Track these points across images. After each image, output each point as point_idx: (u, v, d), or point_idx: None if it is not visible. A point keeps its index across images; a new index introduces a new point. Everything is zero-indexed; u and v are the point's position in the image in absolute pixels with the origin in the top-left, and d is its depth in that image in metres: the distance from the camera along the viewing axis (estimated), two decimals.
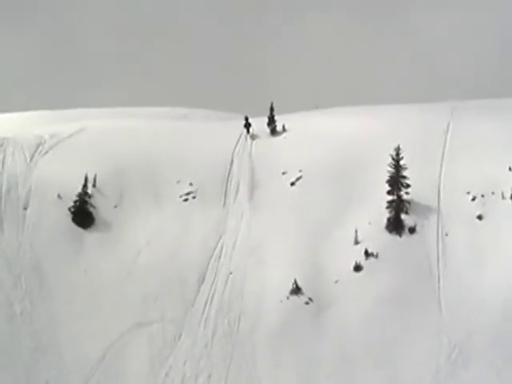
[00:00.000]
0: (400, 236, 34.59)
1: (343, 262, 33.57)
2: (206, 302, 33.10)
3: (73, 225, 36.48)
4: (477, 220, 34.73)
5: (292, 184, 38.88)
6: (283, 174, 39.43)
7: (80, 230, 36.41)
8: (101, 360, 30.57)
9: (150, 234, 36.32)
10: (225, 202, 38.32)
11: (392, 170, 35.68)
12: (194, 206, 38.05)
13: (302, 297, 32.55)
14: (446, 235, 34.32)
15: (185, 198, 38.59)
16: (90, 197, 37.48)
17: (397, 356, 29.80)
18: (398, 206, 35.28)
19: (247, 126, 44.39)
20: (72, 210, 36.80)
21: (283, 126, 44.07)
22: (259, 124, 44.17)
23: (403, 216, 35.14)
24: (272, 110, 44.18)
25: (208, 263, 34.82)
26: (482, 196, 35.71)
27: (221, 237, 36.21)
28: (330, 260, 34.04)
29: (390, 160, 35.73)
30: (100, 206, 37.65)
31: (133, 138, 43.25)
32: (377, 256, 33.58)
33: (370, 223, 35.20)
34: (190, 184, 39.21)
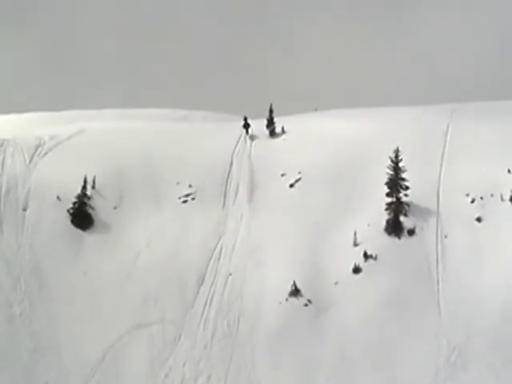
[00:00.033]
0: (399, 238, 34.61)
1: (342, 264, 33.58)
2: (206, 304, 33.13)
3: (72, 226, 36.50)
4: (476, 222, 34.75)
5: (291, 186, 38.91)
6: (282, 175, 39.46)
7: (79, 231, 36.43)
8: (100, 361, 30.59)
9: (150, 235, 36.35)
10: (224, 203, 38.36)
11: (391, 172, 35.69)
12: (194, 207, 38.08)
13: (301, 299, 32.57)
14: (445, 237, 34.33)
15: (184, 199, 38.62)
16: (89, 198, 37.50)
17: (396, 358, 29.81)
18: (397, 208, 35.30)
19: (246, 126, 44.46)
20: (71, 211, 36.81)
21: (282, 128, 44.11)
22: (258, 126, 44.21)
23: (402, 218, 35.16)
24: (271, 111, 44.23)
25: (207, 265, 34.85)
26: (481, 198, 35.71)
27: (220, 238, 36.25)
28: (329, 262, 34.05)
29: (389, 162, 35.74)
30: (99, 207, 37.67)
31: (132, 140, 43.29)
32: (376, 258, 33.61)
33: (369, 225, 35.22)
34: (190, 186, 39.24)
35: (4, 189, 37.88)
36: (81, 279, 33.99)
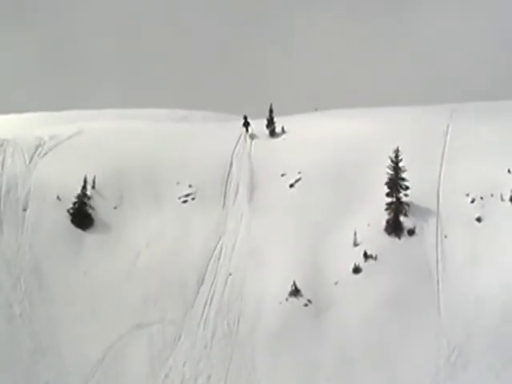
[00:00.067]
0: (399, 238, 34.61)
1: (342, 264, 33.58)
2: (206, 304, 33.13)
3: (72, 226, 36.50)
4: (476, 222, 34.75)
5: (291, 186, 38.90)
6: (282, 175, 39.45)
7: (79, 231, 36.43)
8: (100, 361, 30.59)
9: (150, 235, 36.35)
10: (224, 203, 38.35)
11: (391, 171, 35.69)
12: (194, 207, 38.07)
13: (301, 298, 32.57)
14: (445, 237, 34.33)
15: (184, 199, 38.61)
16: (89, 198, 37.49)
17: (396, 358, 29.81)
18: (397, 208, 35.30)
19: (246, 125, 44.49)
20: (71, 211, 36.80)
21: (282, 128, 44.10)
22: (258, 126, 44.21)
23: (402, 218, 35.15)
24: (271, 111, 44.19)
25: (207, 265, 34.85)
26: (481, 198, 35.70)
27: (220, 238, 36.24)
28: (329, 262, 34.05)
29: (389, 162, 35.74)
30: (99, 207, 37.67)
31: (132, 140, 43.28)
32: (376, 258, 33.61)
33: (369, 225, 35.22)
34: (190, 186, 39.23)
35: (4, 189, 37.89)
36: (81, 279, 33.99)
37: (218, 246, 35.79)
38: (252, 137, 44.06)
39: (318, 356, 30.34)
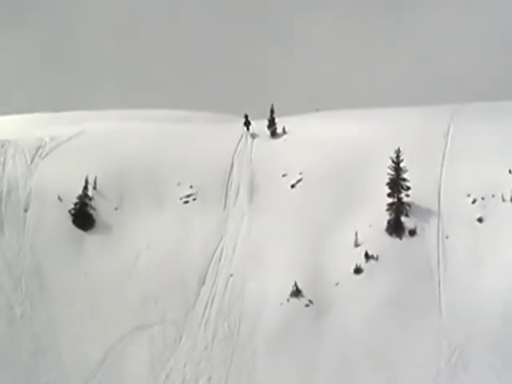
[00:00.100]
0: (400, 238, 34.60)
1: (343, 265, 33.57)
2: (207, 305, 33.13)
3: (73, 227, 36.51)
4: (477, 223, 34.74)
5: (292, 186, 38.90)
6: (283, 176, 39.45)
7: (80, 232, 36.43)
8: (101, 362, 30.61)
9: (151, 236, 36.34)
10: (225, 204, 38.35)
11: (392, 172, 35.68)
12: (195, 208, 38.06)
13: (302, 299, 32.57)
14: (447, 238, 34.32)
15: (185, 200, 38.60)
16: (90, 199, 37.49)
17: (397, 359, 29.80)
18: (398, 209, 35.29)
19: (247, 123, 44.51)
20: (72, 212, 36.82)
21: (283, 129, 44.08)
22: (259, 126, 44.21)
23: (403, 218, 35.15)
24: (272, 112, 44.15)
25: (208, 266, 34.85)
26: (483, 199, 35.70)
27: (221, 239, 36.24)
28: (331, 262, 34.04)
29: (390, 162, 35.73)
30: (100, 208, 37.67)
31: (133, 141, 43.26)
32: (377, 258, 33.60)
33: (370, 226, 35.21)
34: (191, 186, 39.21)
35: (5, 190, 37.86)
36: (82, 280, 33.99)
37: (219, 247, 35.79)
38: (253, 136, 44.08)
39: (319, 357, 30.34)
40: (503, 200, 35.45)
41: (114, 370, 30.39)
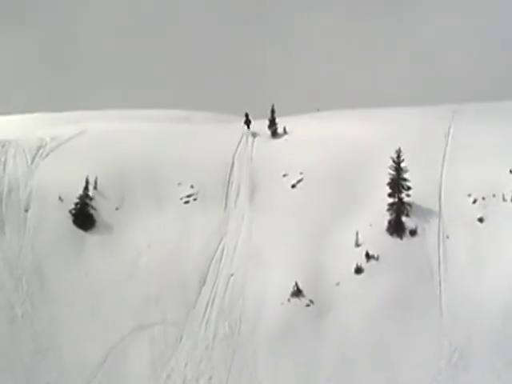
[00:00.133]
0: (401, 238, 34.61)
1: (344, 265, 33.59)
2: (207, 305, 33.14)
3: (74, 227, 36.51)
4: (478, 223, 34.75)
5: (293, 186, 38.90)
6: (284, 176, 39.45)
7: (81, 232, 36.44)
8: (102, 362, 30.62)
9: (151, 236, 36.34)
10: (226, 204, 38.34)
11: (393, 172, 35.70)
12: (195, 208, 38.06)
13: (303, 299, 32.58)
14: (447, 238, 34.33)
15: (186, 199, 38.60)
16: (91, 199, 37.50)
17: (397, 359, 29.83)
18: (399, 209, 35.30)
19: (247, 122, 44.53)
20: (73, 212, 36.83)
21: (284, 129, 44.06)
22: (260, 126, 44.22)
23: (404, 218, 35.16)
24: (273, 112, 44.12)
25: (209, 265, 34.86)
26: (483, 199, 35.71)
27: (222, 239, 36.25)
28: (331, 262, 34.05)
29: (390, 162, 35.73)
30: (101, 208, 37.68)
31: (134, 141, 43.25)
32: (378, 258, 33.61)
33: (370, 225, 35.22)
34: (191, 186, 39.21)
35: (6, 190, 37.88)
36: (82, 280, 34.00)
37: (220, 247, 35.80)
38: (253, 135, 44.10)
39: (320, 356, 30.36)
40: (504, 200, 35.46)
41: (115, 370, 30.40)
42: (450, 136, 41.39)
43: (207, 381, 30.07)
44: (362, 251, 33.82)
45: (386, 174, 35.68)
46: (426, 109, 50.20)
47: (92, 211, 37.22)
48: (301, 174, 39.28)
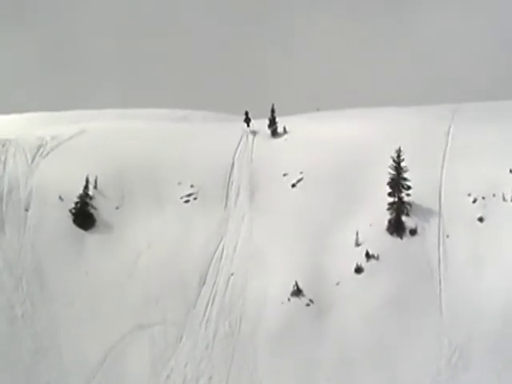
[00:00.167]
0: (401, 238, 34.61)
1: (344, 264, 33.59)
2: (207, 304, 33.13)
3: (74, 226, 36.51)
4: (478, 222, 34.75)
5: (293, 186, 38.89)
6: (284, 175, 39.43)
7: (81, 231, 36.43)
8: (102, 362, 30.63)
9: (151, 235, 36.33)
10: (226, 203, 38.33)
11: (393, 171, 35.70)
12: (196, 208, 38.04)
13: (303, 298, 32.58)
14: (447, 237, 34.33)
15: (186, 199, 38.58)
16: (91, 198, 37.50)
17: (397, 358, 29.84)
18: (399, 208, 35.31)
19: (247, 120, 44.57)
20: (73, 211, 36.82)
21: (284, 128, 44.07)
22: (260, 126, 44.24)
23: (404, 218, 35.16)
24: (273, 111, 44.14)
25: (209, 265, 34.84)
26: (483, 198, 35.71)
27: (222, 239, 36.23)
28: (331, 262, 34.05)
29: (390, 162, 35.73)
30: (101, 207, 37.66)
31: (133, 140, 43.26)
32: (378, 258, 33.61)
33: (371, 225, 35.21)
34: (191, 186, 39.19)
35: (6, 189, 37.89)
36: (82, 279, 34.01)
37: (220, 247, 35.78)
38: (253, 133, 44.10)
39: (320, 355, 30.38)
40: (504, 199, 35.46)
41: (115, 370, 30.41)
42: (450, 136, 41.40)
43: (207, 380, 30.06)
44: (362, 251, 33.81)
45: (386, 173, 35.68)
46: (426, 109, 50.22)
47: (92, 210, 37.22)
48: (301, 173, 39.27)
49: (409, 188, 35.40)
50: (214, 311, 32.73)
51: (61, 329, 31.83)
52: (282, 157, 40.90)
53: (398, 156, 35.59)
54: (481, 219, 34.83)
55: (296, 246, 34.84)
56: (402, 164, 35.52)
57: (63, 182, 38.08)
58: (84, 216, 36.79)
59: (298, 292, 32.66)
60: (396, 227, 34.83)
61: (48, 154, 41.39)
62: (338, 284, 33.03)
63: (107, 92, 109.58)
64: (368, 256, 33.60)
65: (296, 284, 32.67)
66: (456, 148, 39.87)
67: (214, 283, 34.00)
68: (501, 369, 28.71)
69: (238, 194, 38.90)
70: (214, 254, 35.38)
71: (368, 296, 32.20)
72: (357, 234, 34.52)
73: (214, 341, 31.48)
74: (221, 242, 36.01)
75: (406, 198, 35.53)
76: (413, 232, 34.78)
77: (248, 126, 44.65)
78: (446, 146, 40.33)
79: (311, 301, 32.49)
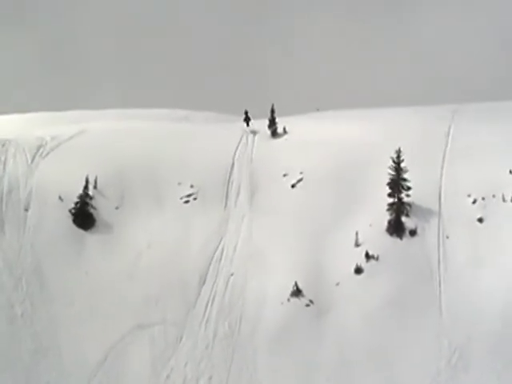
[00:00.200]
0: (401, 239, 34.61)
1: (344, 265, 33.59)
2: (207, 304, 33.14)
3: (74, 226, 36.51)
4: (477, 223, 34.76)
5: (293, 186, 38.90)
6: (284, 176, 39.45)
7: (81, 231, 36.43)
8: (102, 362, 30.62)
9: (151, 235, 36.34)
10: (226, 204, 38.34)
11: (393, 172, 35.70)
12: (195, 208, 38.05)
13: (302, 299, 32.58)
14: (447, 238, 34.34)
15: (186, 199, 38.59)
16: (90, 198, 37.50)
17: (397, 359, 29.83)
18: (398, 209, 35.31)
19: (247, 120, 44.57)
20: (73, 211, 36.82)
21: (284, 128, 44.08)
22: (260, 126, 44.25)
23: (404, 218, 35.17)
24: (273, 111, 44.14)
25: (209, 265, 34.85)
26: (483, 199, 35.72)
27: (222, 239, 36.24)
28: (331, 262, 34.05)
29: (390, 163, 35.74)
30: (101, 207, 37.66)
31: (133, 140, 43.25)
32: (377, 258, 33.61)
33: (370, 225, 35.22)
34: (191, 186, 39.20)
35: (6, 189, 37.86)
36: (82, 279, 34.00)
37: (220, 247, 35.79)
38: (253, 132, 44.12)
39: (319, 356, 30.37)
40: (504, 200, 35.47)
41: (115, 370, 30.40)
42: (450, 136, 41.42)
43: (207, 380, 30.07)
44: (361, 251, 33.82)
45: (386, 174, 35.68)
46: (426, 109, 50.23)
47: (92, 210, 37.22)
48: (301, 173, 39.28)
49: (409, 189, 35.40)
50: (214, 311, 32.74)
51: (61, 329, 31.81)
52: (281, 157, 40.91)
53: (398, 156, 35.59)
54: (480, 220, 34.84)
55: (296, 246, 34.85)
56: (402, 164, 35.52)
57: (63, 182, 38.07)
58: (84, 216, 36.79)
59: (297, 292, 32.66)
60: (396, 228, 34.84)
61: (48, 154, 41.38)
62: (337, 284, 33.03)
63: (107, 92, 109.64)
64: (368, 256, 33.60)
65: (296, 284, 32.68)
66: (456, 149, 39.89)
67: (214, 283, 34.02)
68: (501, 369, 28.70)
69: (237, 194, 38.91)
70: (214, 254, 35.39)
71: (368, 296, 32.19)
72: (356, 234, 34.53)
73: (214, 341, 31.49)
74: (221, 242, 36.03)
75: (405, 199, 35.53)
76: (412, 233, 34.79)
77: (247, 125, 44.68)
78: (446, 146, 40.34)
79: (311, 301, 32.50)
